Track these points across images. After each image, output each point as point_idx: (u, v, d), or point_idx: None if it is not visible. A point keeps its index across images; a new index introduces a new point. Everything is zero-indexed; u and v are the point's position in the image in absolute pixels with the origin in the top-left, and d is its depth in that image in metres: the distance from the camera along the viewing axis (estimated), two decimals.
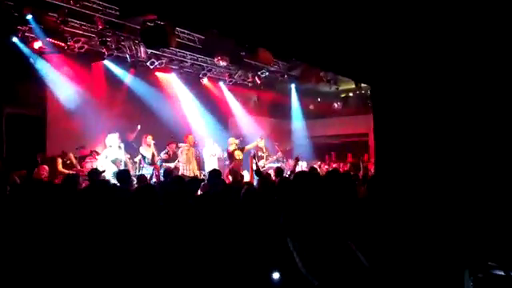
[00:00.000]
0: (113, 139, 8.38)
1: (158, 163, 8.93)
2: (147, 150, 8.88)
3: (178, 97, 11.92)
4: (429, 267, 3.13)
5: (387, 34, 4.35)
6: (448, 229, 3.51)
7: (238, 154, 9.92)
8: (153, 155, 8.84)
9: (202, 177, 9.09)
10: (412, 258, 3.10)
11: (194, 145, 9.86)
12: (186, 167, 9.30)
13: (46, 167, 7.43)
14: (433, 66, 4.43)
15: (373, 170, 9.41)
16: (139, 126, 9.61)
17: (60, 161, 8.19)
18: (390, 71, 4.60)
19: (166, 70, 10.93)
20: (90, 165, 8.32)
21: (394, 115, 4.50)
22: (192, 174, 8.97)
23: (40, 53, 8.57)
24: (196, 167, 9.60)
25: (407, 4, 4.44)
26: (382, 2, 4.47)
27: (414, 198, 3.86)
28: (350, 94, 14.63)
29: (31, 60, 8.44)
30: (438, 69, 4.63)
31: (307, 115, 15.07)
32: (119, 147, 8.36)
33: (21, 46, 8.16)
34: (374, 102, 5.14)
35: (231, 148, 9.94)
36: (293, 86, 13.89)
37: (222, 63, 10.70)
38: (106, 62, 9.87)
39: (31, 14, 7.33)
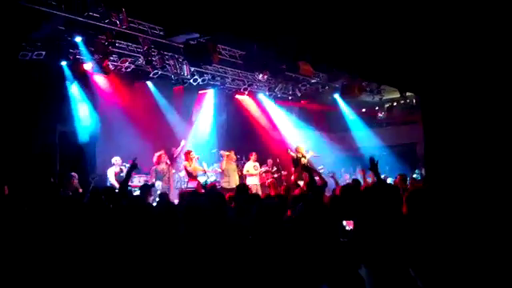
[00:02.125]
0: (160, 156, 8.70)
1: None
2: (189, 164, 9.05)
3: (218, 112, 12.16)
4: None
5: (437, 39, 4.19)
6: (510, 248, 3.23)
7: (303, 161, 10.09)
8: (194, 170, 9.00)
9: None
10: (472, 281, 2.89)
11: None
12: (227, 180, 9.50)
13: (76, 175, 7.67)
14: (488, 70, 4.19)
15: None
16: (183, 142, 9.81)
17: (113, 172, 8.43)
18: (442, 78, 4.41)
19: (207, 86, 11.13)
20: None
21: (445, 124, 4.28)
22: (233, 187, 9.14)
23: (90, 73, 8.96)
24: (238, 181, 9.68)
25: (454, 10, 4.27)
26: (425, 9, 4.33)
27: (471, 212, 3.62)
28: (395, 104, 14.25)
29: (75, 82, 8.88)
30: (493, 74, 4.38)
31: (351, 126, 14.71)
32: (166, 163, 8.65)
33: (72, 67, 8.55)
34: (423, 111, 4.94)
35: (298, 155, 10.07)
36: (337, 96, 13.49)
37: (263, 77, 10.74)
38: (151, 81, 10.21)
39: (81, 37, 7.69)
